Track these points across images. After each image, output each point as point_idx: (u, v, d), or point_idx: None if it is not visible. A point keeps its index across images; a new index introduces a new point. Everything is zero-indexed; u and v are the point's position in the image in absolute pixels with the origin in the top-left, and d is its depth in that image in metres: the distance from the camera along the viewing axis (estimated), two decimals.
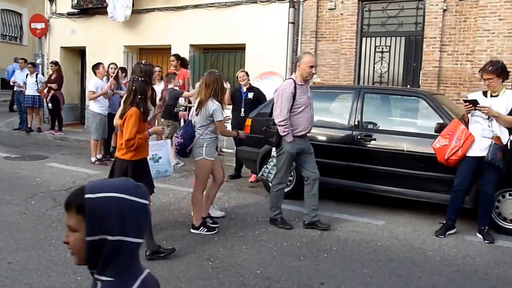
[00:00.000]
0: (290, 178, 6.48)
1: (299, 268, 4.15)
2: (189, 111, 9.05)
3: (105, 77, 8.99)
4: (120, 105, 4.76)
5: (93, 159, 8.62)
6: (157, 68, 9.42)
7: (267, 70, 9.96)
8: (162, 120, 8.30)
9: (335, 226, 5.41)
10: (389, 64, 9.48)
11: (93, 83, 8.71)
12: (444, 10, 8.69)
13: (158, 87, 9.30)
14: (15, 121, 12.84)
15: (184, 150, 4.99)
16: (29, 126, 12.04)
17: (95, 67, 8.92)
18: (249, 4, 10.47)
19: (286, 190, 6.53)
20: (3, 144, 10.25)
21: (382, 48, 9.52)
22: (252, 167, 7.11)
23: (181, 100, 9.69)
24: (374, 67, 9.65)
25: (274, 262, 4.31)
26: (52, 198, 6.23)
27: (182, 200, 6.37)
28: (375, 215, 5.92)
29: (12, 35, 22.47)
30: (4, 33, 21.99)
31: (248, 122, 7.01)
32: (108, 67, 9.22)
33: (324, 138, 6.31)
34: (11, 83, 12.60)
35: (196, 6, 11.15)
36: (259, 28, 10.36)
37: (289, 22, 9.99)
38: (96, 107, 8.62)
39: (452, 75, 8.75)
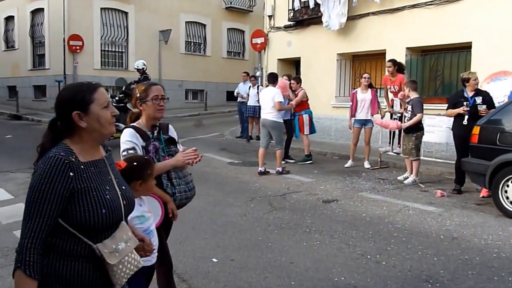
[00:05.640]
0: None
1: None
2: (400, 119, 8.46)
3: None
4: None
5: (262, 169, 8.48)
6: (366, 75, 9.13)
7: (498, 70, 8.69)
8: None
9: None
10: None
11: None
12: None
13: (365, 95, 8.98)
14: (237, 130, 14.00)
15: None
16: (249, 134, 12.97)
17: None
18: None
19: None
20: (227, 150, 11.23)
21: None
22: (480, 181, 6.23)
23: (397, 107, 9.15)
24: None
25: None
26: (268, 202, 6.47)
27: (397, 214, 5.93)
28: None
29: (236, 51, 25.00)
30: (229, 50, 24.65)
31: (476, 130, 6.19)
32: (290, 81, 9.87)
33: None
34: (235, 95, 13.81)
35: (413, 6, 10.46)
36: (486, 23, 9.15)
37: None
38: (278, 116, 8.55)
39: None
